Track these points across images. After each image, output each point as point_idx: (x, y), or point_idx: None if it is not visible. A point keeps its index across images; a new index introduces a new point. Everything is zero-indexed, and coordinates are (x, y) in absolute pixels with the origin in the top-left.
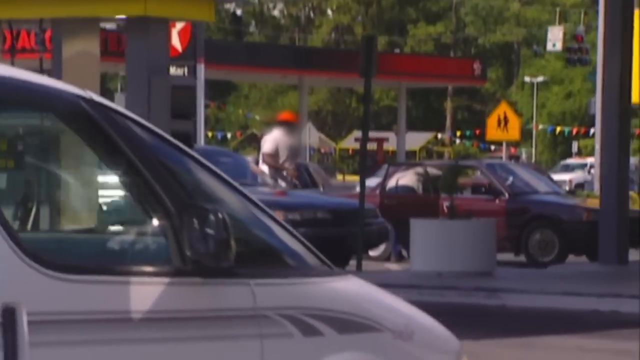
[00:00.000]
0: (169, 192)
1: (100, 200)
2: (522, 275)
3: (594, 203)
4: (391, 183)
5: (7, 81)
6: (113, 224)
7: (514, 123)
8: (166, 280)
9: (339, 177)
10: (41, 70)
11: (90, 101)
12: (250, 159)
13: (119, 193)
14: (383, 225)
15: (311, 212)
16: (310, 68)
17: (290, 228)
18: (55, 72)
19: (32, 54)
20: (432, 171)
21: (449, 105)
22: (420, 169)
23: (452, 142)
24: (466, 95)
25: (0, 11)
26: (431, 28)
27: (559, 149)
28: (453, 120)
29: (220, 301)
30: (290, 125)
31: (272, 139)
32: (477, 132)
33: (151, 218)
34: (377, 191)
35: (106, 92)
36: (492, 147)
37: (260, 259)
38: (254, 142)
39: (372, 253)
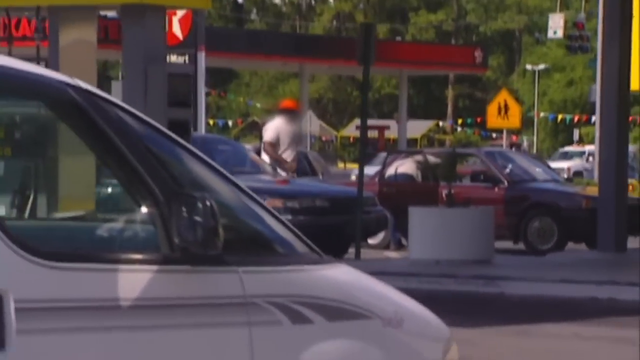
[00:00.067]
0: (157, 180)
1: (89, 188)
2: (520, 263)
3: (593, 191)
4: (390, 171)
5: None
6: (101, 211)
7: (515, 111)
8: (154, 267)
9: (340, 165)
10: (38, 58)
11: (78, 89)
12: (249, 147)
13: (107, 181)
14: (382, 213)
15: (310, 200)
16: (311, 56)
17: (279, 215)
18: (52, 60)
19: (32, 42)
20: (431, 159)
21: (450, 93)
22: (419, 157)
23: (454, 130)
24: (467, 83)
25: None
26: (432, 16)
27: (560, 137)
28: (454, 108)
29: (209, 289)
30: (292, 113)
31: (274, 127)
32: (479, 120)
33: (139, 206)
34: (376, 179)
35: (104, 80)
36: (494, 135)
37: (249, 246)
38: (255, 130)
39: (371, 241)
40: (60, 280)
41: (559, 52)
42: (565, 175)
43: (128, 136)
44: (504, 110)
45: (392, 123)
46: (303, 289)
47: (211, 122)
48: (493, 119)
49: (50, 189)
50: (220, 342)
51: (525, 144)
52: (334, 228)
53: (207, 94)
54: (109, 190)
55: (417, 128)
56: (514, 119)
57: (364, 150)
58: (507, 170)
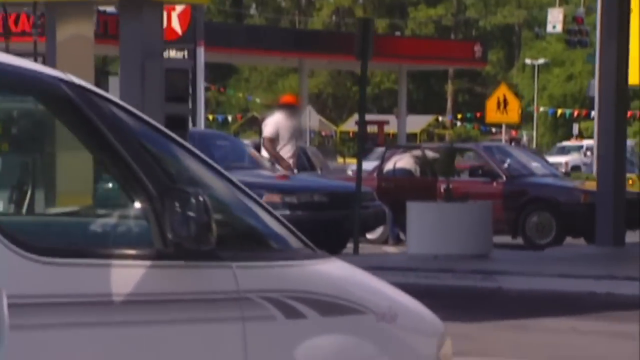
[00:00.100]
0: (150, 176)
1: (85, 183)
2: (518, 257)
3: (592, 185)
4: (389, 166)
5: None
6: (96, 207)
7: (514, 105)
8: (148, 263)
9: (340, 159)
10: (35, 54)
11: (71, 84)
12: (248, 142)
13: (101, 176)
14: (380, 208)
15: (309, 196)
16: (310, 51)
17: (273, 211)
18: (49, 55)
19: (31, 38)
20: (430, 154)
21: (449, 87)
22: (417, 152)
23: (453, 125)
24: (467, 77)
25: None
26: (432, 10)
27: (559, 132)
28: (454, 102)
29: (202, 284)
30: (292, 108)
31: (273, 123)
32: (478, 114)
33: (133, 201)
34: (375, 174)
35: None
36: (494, 130)
37: (242, 241)
38: (255, 125)
39: (370, 236)
40: (54, 275)
41: (558, 47)
42: (563, 170)
43: (121, 132)
44: (503, 105)
45: (391, 118)
46: (297, 284)
47: (211, 117)
48: (492, 113)
49: (45, 185)
50: (214, 337)
51: (524, 138)
52: (332, 223)
53: (207, 89)
54: (104, 186)
55: (417, 123)
56: (513, 114)
57: (361, 145)
58: (506, 165)
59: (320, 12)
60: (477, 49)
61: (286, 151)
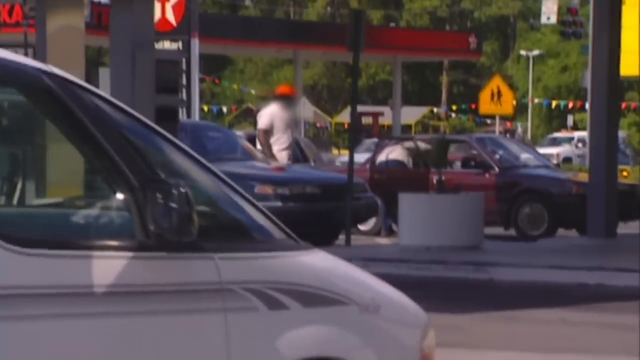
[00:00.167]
0: (132, 167)
1: (71, 175)
2: (510, 249)
3: (585, 177)
4: (381, 157)
5: None
6: (77, 198)
7: (507, 97)
8: (129, 254)
9: (335, 151)
10: (26, 45)
11: (52, 76)
12: (240, 133)
13: (82, 168)
14: (372, 199)
15: (301, 187)
16: (305, 42)
17: (256, 202)
18: (39, 46)
19: (20, 29)
20: (422, 145)
21: (444, 79)
22: (410, 144)
23: (448, 116)
24: (462, 69)
25: None
26: (427, 1)
27: (554, 123)
28: (449, 94)
29: (184, 275)
30: (288, 99)
31: (268, 114)
32: (473, 106)
33: (115, 193)
34: (367, 165)
35: (91, 67)
36: (488, 121)
37: (225, 233)
38: (250, 116)
39: (362, 227)
40: (36, 267)
41: (553, 38)
42: (555, 162)
43: (103, 123)
44: (497, 96)
45: (386, 109)
46: (279, 275)
47: (205, 108)
48: (486, 105)
49: (25, 176)
50: (196, 328)
51: (519, 130)
52: (324, 214)
53: (201, 81)
54: (84, 177)
55: (412, 114)
56: (507, 105)
57: (354, 137)
58: (498, 156)
59: (315, 3)
60: (472, 40)
61: (281, 142)
